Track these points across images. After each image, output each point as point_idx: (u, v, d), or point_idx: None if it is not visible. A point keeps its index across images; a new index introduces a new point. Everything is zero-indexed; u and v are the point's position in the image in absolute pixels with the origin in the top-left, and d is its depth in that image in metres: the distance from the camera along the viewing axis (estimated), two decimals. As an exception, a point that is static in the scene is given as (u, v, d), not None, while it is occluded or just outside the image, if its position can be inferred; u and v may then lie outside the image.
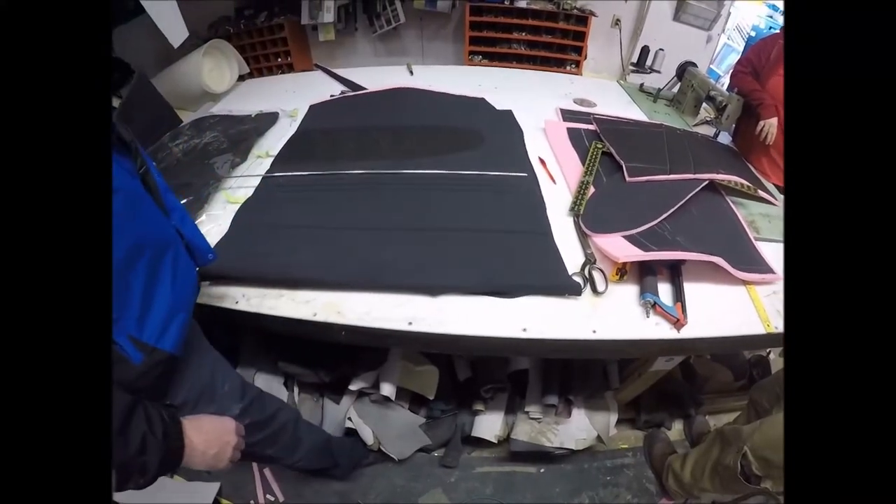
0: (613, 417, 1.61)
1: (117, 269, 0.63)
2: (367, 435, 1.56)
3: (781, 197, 1.75)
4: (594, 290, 1.17)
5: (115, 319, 0.65)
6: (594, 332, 1.10)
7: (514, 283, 1.12)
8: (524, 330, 1.07)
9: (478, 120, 1.82)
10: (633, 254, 1.17)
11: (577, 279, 1.17)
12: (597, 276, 1.19)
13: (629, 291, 1.20)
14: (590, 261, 1.21)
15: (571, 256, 1.24)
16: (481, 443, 1.64)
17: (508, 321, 1.08)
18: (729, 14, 2.77)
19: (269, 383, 1.60)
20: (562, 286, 1.14)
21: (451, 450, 1.63)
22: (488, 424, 1.57)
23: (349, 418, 1.56)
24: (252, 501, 1.60)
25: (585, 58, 2.56)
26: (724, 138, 2.05)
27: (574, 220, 1.36)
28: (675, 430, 1.92)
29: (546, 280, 1.14)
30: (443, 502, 1.59)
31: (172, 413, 0.70)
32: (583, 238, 1.29)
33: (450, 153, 1.58)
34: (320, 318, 1.08)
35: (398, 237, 1.23)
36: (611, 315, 1.14)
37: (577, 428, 1.56)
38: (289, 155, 1.58)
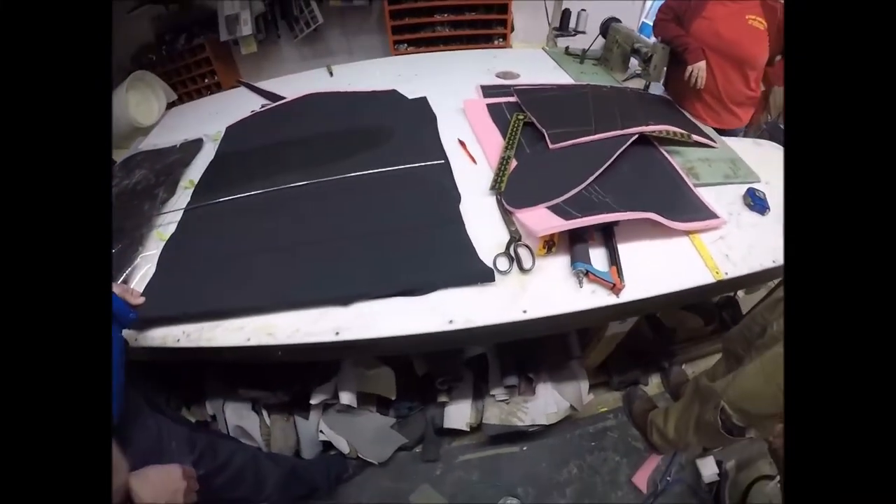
0: (584, 384, 1.61)
1: None
2: (343, 445, 1.57)
3: (721, 139, 1.74)
4: (521, 268, 1.14)
5: None
6: (524, 311, 1.08)
7: (422, 280, 1.10)
8: (450, 322, 1.05)
9: (388, 114, 1.79)
10: (552, 225, 1.14)
11: (503, 260, 1.15)
12: (523, 253, 1.17)
13: (560, 263, 1.18)
14: (514, 238, 1.19)
15: (496, 236, 1.22)
16: (458, 432, 1.64)
17: (433, 315, 1.06)
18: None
19: (238, 411, 1.60)
20: (473, 275, 1.12)
21: (428, 444, 1.64)
22: (457, 414, 1.57)
23: (321, 431, 1.56)
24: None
25: (512, 30, 2.51)
26: (658, 89, 2.02)
27: (496, 199, 1.33)
28: (654, 385, 1.93)
29: (456, 271, 1.13)
30: (433, 497, 1.60)
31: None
32: (506, 216, 1.27)
33: (358, 154, 1.55)
34: (253, 342, 1.07)
35: (307, 251, 1.21)
36: (542, 291, 1.12)
37: (546, 402, 1.56)
38: (206, 183, 1.56)
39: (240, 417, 1.58)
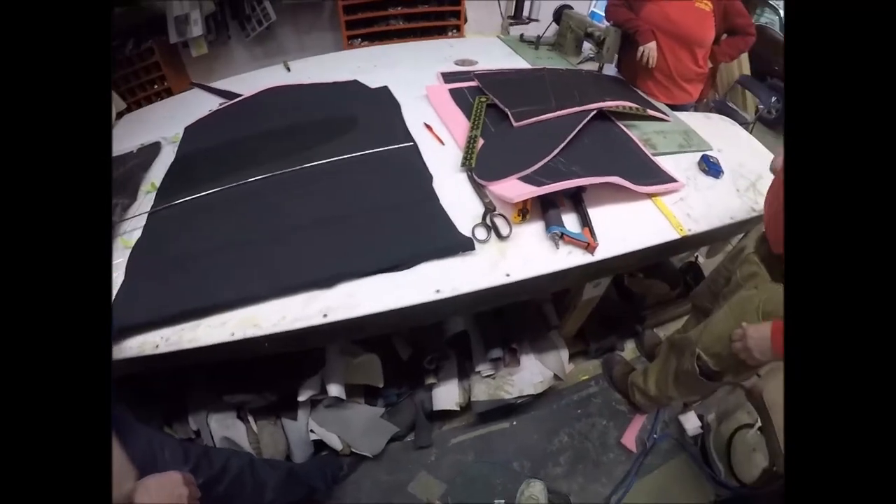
0: (564, 353, 1.65)
1: None
2: (335, 441, 1.53)
3: (673, 114, 1.85)
4: (499, 235, 1.18)
5: None
6: (507, 275, 1.12)
7: (405, 255, 1.13)
8: (437, 291, 1.08)
9: (351, 103, 1.80)
10: (526, 191, 1.19)
11: (481, 229, 1.18)
12: (499, 222, 1.21)
13: (535, 229, 1.23)
14: (489, 209, 1.23)
15: (470, 210, 1.26)
16: (447, 414, 1.65)
17: (420, 287, 1.09)
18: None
19: (223, 421, 1.53)
20: (453, 245, 1.15)
21: (419, 430, 1.63)
22: (446, 395, 1.58)
23: (311, 430, 1.53)
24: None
25: (466, 20, 2.57)
26: (611, 71, 2.12)
27: (468, 174, 1.37)
28: (629, 350, 2.01)
29: (437, 244, 1.15)
30: (432, 484, 1.59)
31: None
32: (479, 189, 1.30)
33: (326, 142, 1.55)
34: (238, 335, 1.05)
35: (285, 239, 1.21)
36: (521, 256, 1.17)
37: (531, 373, 1.60)
38: (170, 185, 1.51)
39: (225, 428, 1.52)
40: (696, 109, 2.22)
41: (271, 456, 1.50)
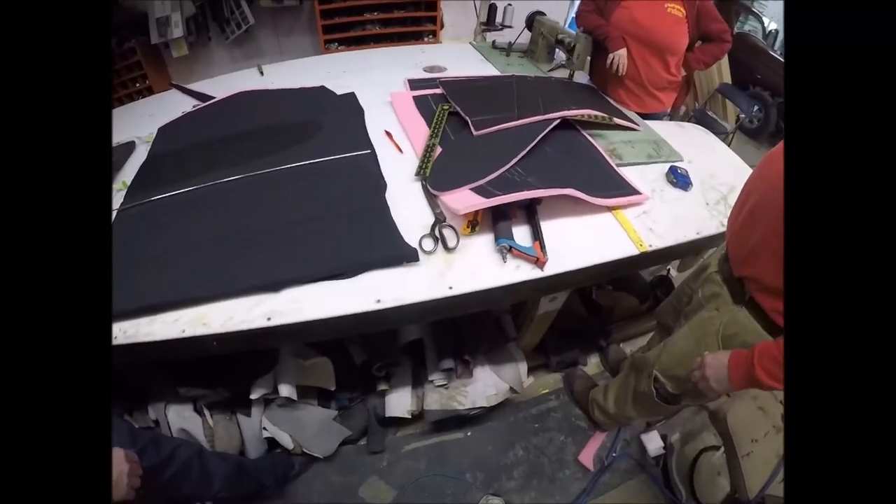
0: (523, 366, 1.64)
1: None
2: (286, 440, 1.53)
3: (645, 122, 1.82)
4: (446, 247, 1.18)
5: None
6: (451, 287, 1.12)
7: (349, 264, 1.13)
8: (378, 301, 1.08)
9: (317, 108, 1.81)
10: (473, 203, 1.19)
11: (428, 240, 1.18)
12: (447, 233, 1.20)
13: (485, 241, 1.23)
14: (439, 220, 1.23)
15: (422, 220, 1.25)
16: (402, 421, 1.64)
17: (361, 296, 1.09)
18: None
19: (180, 413, 1.54)
20: (398, 256, 1.15)
21: (372, 435, 1.63)
22: (398, 401, 1.57)
23: (264, 428, 1.53)
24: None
25: (442, 27, 2.57)
26: (584, 78, 2.11)
27: (421, 184, 1.36)
28: (593, 364, 1.99)
29: (381, 253, 1.16)
30: (383, 489, 1.59)
31: None
32: (431, 199, 1.30)
33: (287, 148, 1.57)
34: (188, 333, 1.06)
35: (239, 242, 1.23)
36: (467, 268, 1.16)
37: (486, 385, 1.59)
38: (139, 184, 1.53)
39: (182, 420, 1.54)
40: (671, 118, 2.19)
41: (225, 450, 1.51)
